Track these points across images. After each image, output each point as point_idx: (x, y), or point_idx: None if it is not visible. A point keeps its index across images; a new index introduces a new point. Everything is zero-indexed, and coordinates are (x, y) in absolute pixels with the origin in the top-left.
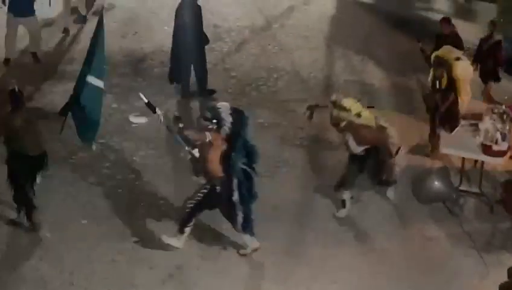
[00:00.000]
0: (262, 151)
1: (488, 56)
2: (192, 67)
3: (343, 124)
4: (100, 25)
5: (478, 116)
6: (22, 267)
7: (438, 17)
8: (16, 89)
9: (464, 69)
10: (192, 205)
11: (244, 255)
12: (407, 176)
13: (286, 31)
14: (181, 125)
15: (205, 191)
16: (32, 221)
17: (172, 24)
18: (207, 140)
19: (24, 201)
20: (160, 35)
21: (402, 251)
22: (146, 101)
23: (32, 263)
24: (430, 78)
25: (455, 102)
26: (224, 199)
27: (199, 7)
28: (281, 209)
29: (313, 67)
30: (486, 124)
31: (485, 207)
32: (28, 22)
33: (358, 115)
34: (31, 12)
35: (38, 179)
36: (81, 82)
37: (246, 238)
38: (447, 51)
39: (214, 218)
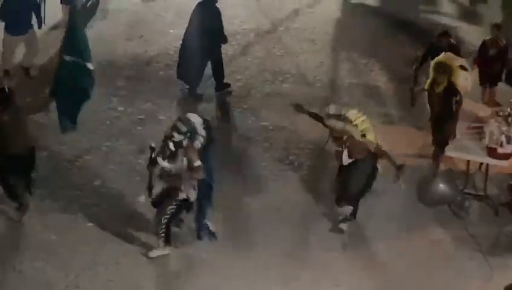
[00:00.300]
0: (267, 154)
1: (496, 60)
2: (207, 65)
3: (345, 138)
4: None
5: (483, 119)
6: (28, 270)
7: (442, 19)
8: (6, 88)
9: (465, 80)
10: (167, 219)
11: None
12: (412, 178)
13: (291, 34)
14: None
15: (179, 203)
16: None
17: (178, 27)
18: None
19: (16, 198)
20: (165, 38)
21: (407, 254)
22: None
23: (38, 266)
24: (428, 83)
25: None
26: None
27: (217, 9)
28: (284, 212)
29: (318, 71)
30: (491, 126)
31: (490, 210)
32: (27, 38)
33: (364, 135)
34: (29, 28)
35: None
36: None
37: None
38: (449, 57)
39: (217, 220)
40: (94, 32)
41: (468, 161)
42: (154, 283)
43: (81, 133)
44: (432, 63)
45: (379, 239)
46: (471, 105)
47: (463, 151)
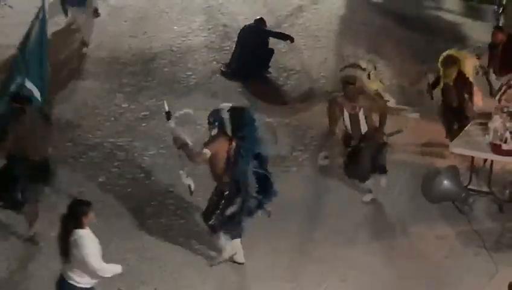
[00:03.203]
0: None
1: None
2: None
3: (357, 84)
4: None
5: (487, 115)
6: (32, 266)
7: (447, 16)
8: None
9: (473, 67)
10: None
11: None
12: (417, 175)
13: (296, 30)
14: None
15: (216, 198)
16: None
17: (182, 24)
18: (207, 156)
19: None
20: (170, 35)
21: (411, 250)
22: (167, 110)
23: (43, 261)
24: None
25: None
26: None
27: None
28: (291, 208)
29: (323, 67)
30: (496, 123)
31: (495, 206)
32: (85, 12)
33: (369, 76)
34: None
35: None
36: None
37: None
38: (455, 51)
39: None
40: (98, 28)
41: (473, 157)
42: (160, 279)
43: (85, 130)
44: (440, 58)
45: (384, 235)
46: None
47: (467, 147)
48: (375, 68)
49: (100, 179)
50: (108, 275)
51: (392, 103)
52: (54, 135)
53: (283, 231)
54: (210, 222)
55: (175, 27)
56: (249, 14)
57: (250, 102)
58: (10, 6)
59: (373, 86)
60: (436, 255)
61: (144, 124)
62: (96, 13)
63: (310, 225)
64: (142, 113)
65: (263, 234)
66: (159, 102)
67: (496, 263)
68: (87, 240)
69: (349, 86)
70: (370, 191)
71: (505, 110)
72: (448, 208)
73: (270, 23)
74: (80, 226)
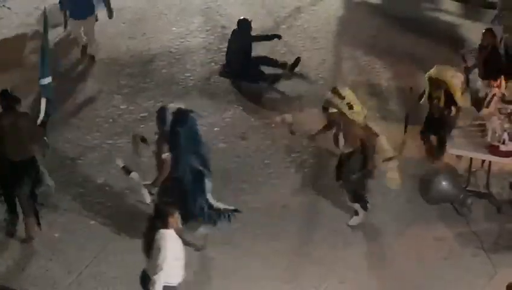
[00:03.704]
0: (271, 152)
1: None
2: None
3: (332, 110)
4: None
5: (485, 117)
6: (31, 268)
7: (446, 17)
8: (9, 90)
9: (458, 80)
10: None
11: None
12: (415, 176)
13: (294, 32)
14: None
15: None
16: (11, 224)
17: (181, 25)
18: (169, 158)
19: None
20: (168, 36)
21: (410, 251)
22: (122, 165)
23: (41, 263)
24: (425, 96)
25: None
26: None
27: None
28: (290, 209)
29: (321, 68)
30: (494, 124)
31: (493, 207)
32: (85, 24)
33: (350, 106)
34: (88, 14)
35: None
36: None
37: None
38: (441, 70)
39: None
40: (97, 30)
41: (471, 159)
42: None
43: (84, 131)
44: (426, 76)
45: (383, 236)
46: None
47: (465, 149)
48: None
49: (99, 181)
50: (155, 287)
51: (383, 139)
52: (51, 136)
53: (282, 232)
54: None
55: (173, 28)
56: (246, 16)
57: (248, 104)
58: (8, 8)
59: (358, 117)
60: (435, 257)
61: (142, 126)
62: (95, 19)
63: (309, 226)
64: (141, 115)
65: (262, 235)
66: (158, 103)
67: (494, 265)
68: (169, 241)
69: (324, 110)
70: (356, 214)
71: (503, 111)
72: (447, 210)
73: (268, 25)
74: (165, 226)
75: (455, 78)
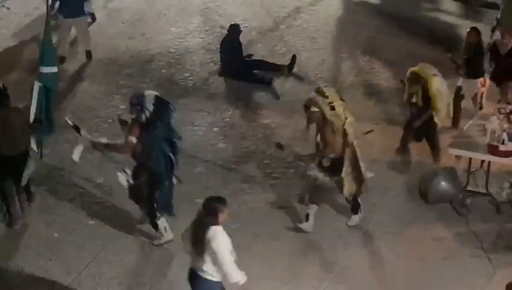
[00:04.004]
0: (271, 152)
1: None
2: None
3: (314, 108)
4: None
5: (485, 117)
6: (30, 268)
7: (445, 17)
8: (1, 86)
9: (440, 85)
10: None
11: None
12: (414, 176)
13: (293, 32)
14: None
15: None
16: (11, 214)
17: (180, 25)
18: (134, 143)
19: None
20: (167, 37)
21: (409, 252)
22: (72, 124)
23: (41, 264)
24: (405, 95)
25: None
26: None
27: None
28: (289, 209)
29: (320, 68)
30: (493, 124)
31: (492, 207)
32: (78, 23)
33: (332, 107)
34: (80, 13)
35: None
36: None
37: (162, 224)
38: (423, 67)
39: None
40: (96, 30)
41: (470, 159)
42: (158, 281)
43: (84, 131)
44: (408, 72)
45: (381, 237)
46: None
47: (465, 149)
48: (341, 100)
49: (98, 181)
50: (233, 280)
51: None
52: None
53: (282, 232)
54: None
55: (172, 28)
56: (246, 16)
57: (248, 104)
58: (8, 8)
59: (338, 121)
60: (434, 257)
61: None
62: (93, 18)
63: None
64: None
65: (262, 235)
66: None
67: (493, 265)
68: (222, 238)
69: (306, 108)
70: (355, 213)
71: (502, 111)
72: (446, 210)
73: (267, 25)
74: (216, 223)
75: (435, 77)
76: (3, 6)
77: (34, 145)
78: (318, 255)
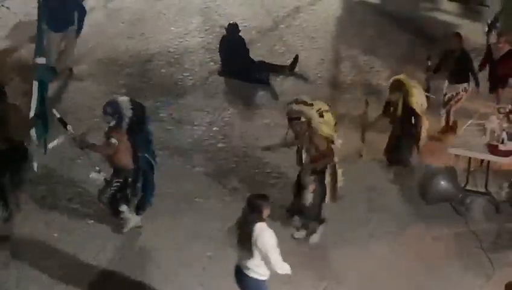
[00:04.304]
0: (270, 152)
1: (501, 64)
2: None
3: (302, 119)
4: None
5: (484, 116)
6: (29, 268)
7: (445, 17)
8: None
9: (419, 99)
10: (108, 199)
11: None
12: (414, 176)
13: (293, 31)
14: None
15: (118, 184)
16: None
17: (179, 25)
18: (115, 145)
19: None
20: (167, 36)
21: (408, 251)
22: (58, 116)
23: (40, 264)
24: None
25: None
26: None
27: (241, 38)
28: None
29: (319, 68)
30: (493, 123)
31: (492, 207)
32: (66, 37)
33: (321, 114)
34: (69, 25)
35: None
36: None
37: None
38: (406, 77)
39: (222, 218)
40: (95, 29)
41: (470, 158)
42: (157, 279)
43: (82, 131)
44: (391, 80)
45: (381, 236)
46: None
47: (464, 148)
48: (328, 106)
49: (97, 181)
50: (282, 271)
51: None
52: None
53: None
54: (104, 200)
55: (172, 28)
56: (246, 16)
57: (247, 103)
58: (7, 8)
59: (325, 129)
60: (434, 257)
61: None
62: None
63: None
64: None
65: None
66: (156, 103)
67: (493, 264)
68: (269, 233)
69: (293, 121)
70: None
71: (502, 110)
72: (445, 209)
73: (267, 24)
74: (261, 219)
75: (416, 88)
76: (2, 5)
77: (35, 140)
78: (318, 255)
